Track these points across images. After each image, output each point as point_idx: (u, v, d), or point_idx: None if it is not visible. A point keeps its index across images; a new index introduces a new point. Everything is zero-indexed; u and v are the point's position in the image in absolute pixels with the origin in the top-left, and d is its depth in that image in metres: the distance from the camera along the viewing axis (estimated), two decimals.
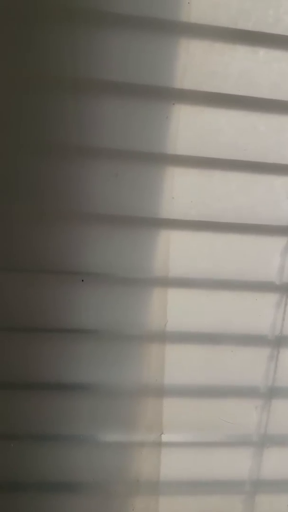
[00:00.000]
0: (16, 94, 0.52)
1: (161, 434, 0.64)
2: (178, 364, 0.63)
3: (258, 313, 0.63)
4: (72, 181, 0.55)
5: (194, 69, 0.54)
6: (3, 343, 0.59)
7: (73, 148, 0.54)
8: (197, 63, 0.54)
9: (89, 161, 0.55)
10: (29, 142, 0.54)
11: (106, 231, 0.58)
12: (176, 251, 0.59)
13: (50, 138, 0.54)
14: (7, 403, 0.61)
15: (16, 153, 0.54)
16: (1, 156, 0.54)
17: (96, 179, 0.56)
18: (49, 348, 0.60)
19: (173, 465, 0.66)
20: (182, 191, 0.58)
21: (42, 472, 0.64)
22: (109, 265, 0.59)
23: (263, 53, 0.55)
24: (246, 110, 0.57)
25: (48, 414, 0.62)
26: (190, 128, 0.56)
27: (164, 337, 0.62)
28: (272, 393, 0.66)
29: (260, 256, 0.61)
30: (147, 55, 0.52)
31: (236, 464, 0.68)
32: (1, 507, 0.64)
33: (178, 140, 0.56)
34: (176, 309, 0.61)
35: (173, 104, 0.55)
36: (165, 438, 0.65)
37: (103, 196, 0.56)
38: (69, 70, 0.52)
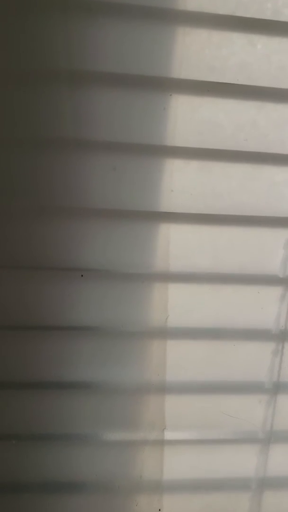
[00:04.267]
0: (10, 88, 0.51)
1: (164, 429, 0.64)
2: (180, 360, 0.62)
3: (261, 307, 0.62)
4: (70, 176, 0.54)
5: (192, 59, 0.53)
6: (1, 341, 0.59)
7: (69, 142, 0.53)
8: (195, 53, 0.53)
9: (87, 155, 0.54)
10: (24, 136, 0.53)
11: (105, 225, 0.57)
12: (176, 245, 0.58)
13: (46, 132, 0.53)
14: (7, 403, 0.61)
15: (11, 148, 0.53)
16: None
17: (94, 173, 0.55)
18: (48, 346, 0.59)
19: (177, 462, 0.66)
20: (182, 184, 0.57)
21: (44, 472, 0.63)
22: (108, 261, 0.58)
23: (261, 44, 0.54)
24: (246, 100, 0.56)
25: (49, 413, 0.61)
26: (188, 119, 0.55)
27: (165, 333, 0.61)
28: (277, 388, 0.65)
29: (262, 249, 0.60)
30: (143, 45, 0.52)
31: (241, 461, 0.67)
32: (3, 508, 0.64)
33: (176, 132, 0.55)
34: (177, 304, 0.60)
35: (171, 95, 0.54)
36: (168, 435, 0.64)
37: (101, 190, 0.56)
38: (64, 62, 0.51)
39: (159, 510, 0.67)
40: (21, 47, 0.50)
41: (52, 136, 0.53)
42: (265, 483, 0.69)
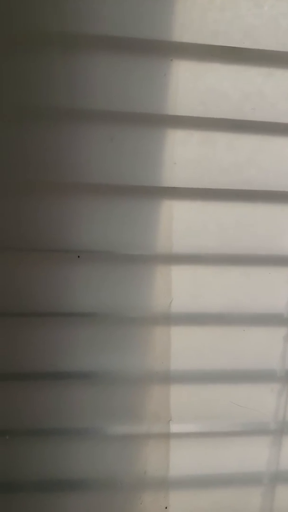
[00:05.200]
0: None
1: (169, 421, 0.63)
2: (185, 348, 0.61)
3: (272, 289, 0.61)
4: (63, 148, 0.53)
5: (194, 22, 0.52)
6: None
7: (63, 112, 0.52)
8: (197, 16, 0.52)
9: (81, 125, 0.53)
10: (14, 106, 0.51)
11: (103, 202, 0.55)
12: (180, 224, 0.57)
13: (37, 101, 0.51)
14: (0, 396, 0.59)
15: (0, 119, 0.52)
16: None
17: (89, 144, 0.53)
18: (43, 334, 0.58)
19: (184, 456, 0.65)
20: (185, 156, 0.55)
21: (41, 469, 0.62)
22: (106, 241, 0.56)
23: (268, 5, 0.53)
24: (252, 66, 0.55)
25: (45, 406, 0.60)
26: (191, 87, 0.54)
27: (169, 318, 0.60)
28: None
29: (272, 227, 0.59)
30: (142, 6, 0.50)
31: (252, 454, 0.66)
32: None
33: (178, 100, 0.54)
34: (182, 287, 0.59)
35: (171, 60, 0.53)
36: (174, 428, 0.63)
37: (98, 163, 0.54)
38: (57, 24, 0.49)
39: (166, 508, 0.66)
40: (8, 8, 0.48)
41: (44, 105, 0.51)
42: (278, 477, 0.67)
